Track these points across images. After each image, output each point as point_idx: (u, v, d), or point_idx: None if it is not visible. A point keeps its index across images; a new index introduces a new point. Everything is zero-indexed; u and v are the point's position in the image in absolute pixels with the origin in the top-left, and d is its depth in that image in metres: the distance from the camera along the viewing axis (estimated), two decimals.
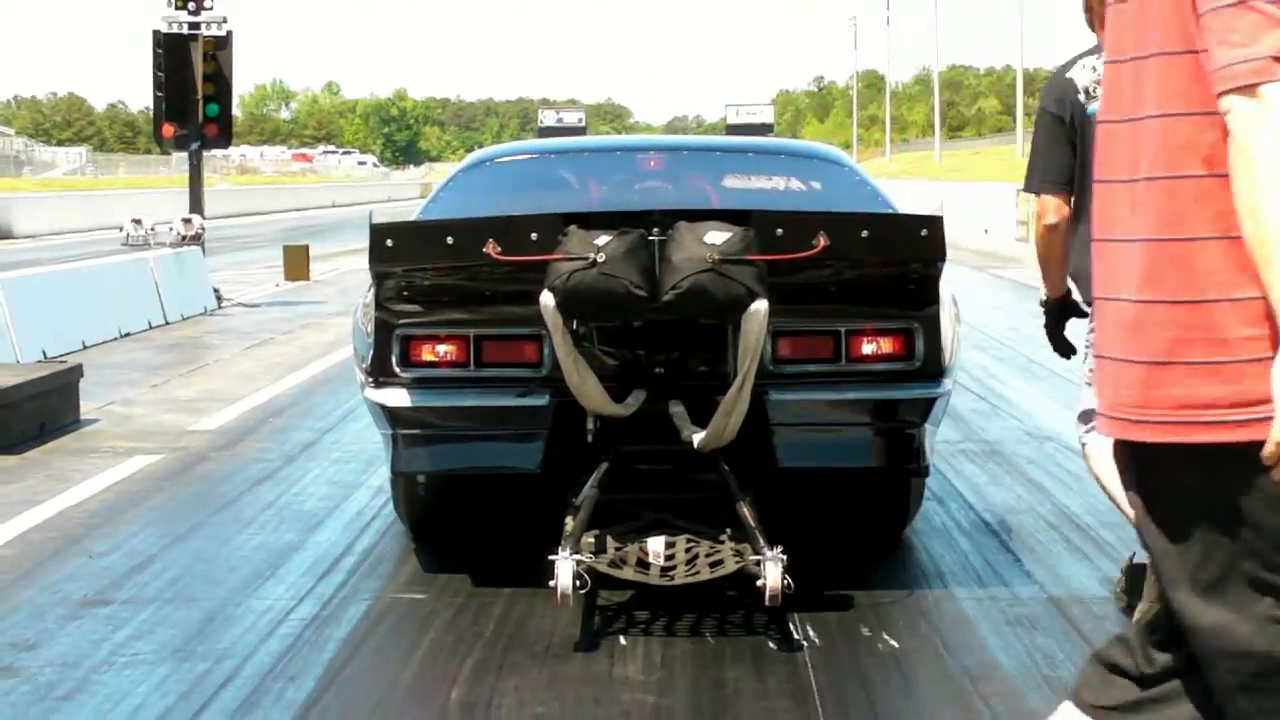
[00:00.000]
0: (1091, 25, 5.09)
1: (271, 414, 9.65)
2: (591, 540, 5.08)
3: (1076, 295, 5.09)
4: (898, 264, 5.19)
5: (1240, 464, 2.32)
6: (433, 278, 5.20)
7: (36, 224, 37.24)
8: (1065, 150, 4.90)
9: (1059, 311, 5.12)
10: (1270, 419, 2.25)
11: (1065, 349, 5.17)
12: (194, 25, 17.17)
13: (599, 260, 4.77)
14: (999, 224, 28.39)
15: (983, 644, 4.89)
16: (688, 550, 5.10)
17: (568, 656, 4.76)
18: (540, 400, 5.27)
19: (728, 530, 5.12)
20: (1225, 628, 2.41)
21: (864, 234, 5.02)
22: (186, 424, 9.24)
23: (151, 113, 18.07)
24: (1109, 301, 2.51)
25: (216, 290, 17.17)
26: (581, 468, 5.34)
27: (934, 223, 5.01)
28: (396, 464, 5.49)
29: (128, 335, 14.11)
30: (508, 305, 5.23)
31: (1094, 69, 4.89)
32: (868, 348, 5.31)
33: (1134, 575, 5.15)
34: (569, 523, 5.09)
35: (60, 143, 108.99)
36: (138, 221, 23.64)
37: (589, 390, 5.06)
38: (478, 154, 7.23)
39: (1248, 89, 2.25)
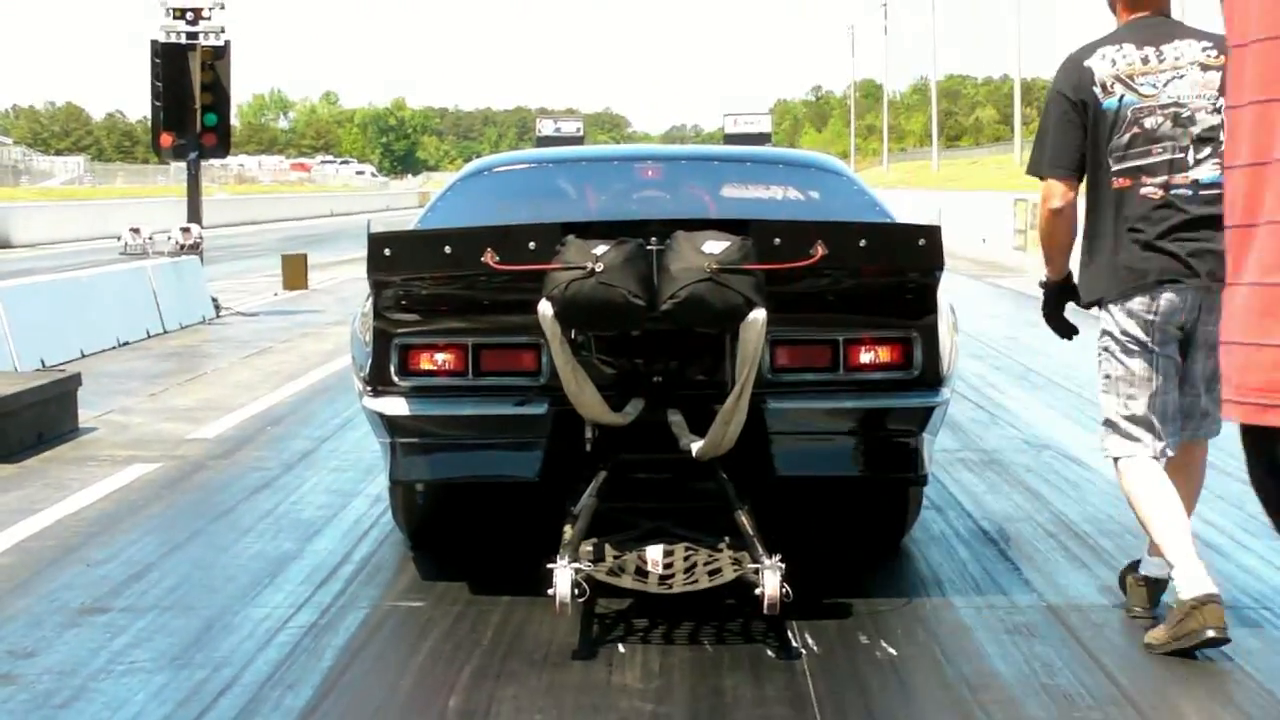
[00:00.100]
0: (1113, 7, 5.04)
1: (270, 423, 9.66)
2: (590, 548, 5.08)
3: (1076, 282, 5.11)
4: (896, 273, 5.20)
5: None
6: (431, 287, 5.21)
7: (35, 233, 37.25)
8: (1076, 136, 4.89)
9: (1059, 293, 5.15)
10: None
11: (1065, 329, 5.20)
12: (192, 35, 17.21)
13: (597, 270, 4.78)
14: (997, 233, 28.40)
15: (981, 652, 4.89)
16: (686, 558, 5.10)
17: (566, 664, 4.76)
18: (538, 409, 5.28)
19: (726, 538, 5.13)
20: None
21: (862, 243, 5.03)
22: (184, 433, 9.24)
23: (150, 122, 18.11)
24: (1239, 287, 2.48)
25: (215, 299, 17.18)
26: (580, 476, 5.35)
27: (932, 232, 5.02)
28: (395, 472, 5.50)
29: (126, 344, 14.11)
30: (506, 314, 5.23)
31: (1113, 62, 4.87)
32: (866, 357, 5.32)
33: (1152, 586, 5.12)
34: (567, 531, 5.10)
35: (58, 152, 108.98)
36: (136, 231, 23.71)
37: (587, 399, 5.07)
38: (476, 163, 7.24)
39: None
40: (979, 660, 4.80)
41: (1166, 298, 4.82)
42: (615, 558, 5.08)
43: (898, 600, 5.44)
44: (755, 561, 4.87)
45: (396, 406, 5.32)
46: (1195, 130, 4.82)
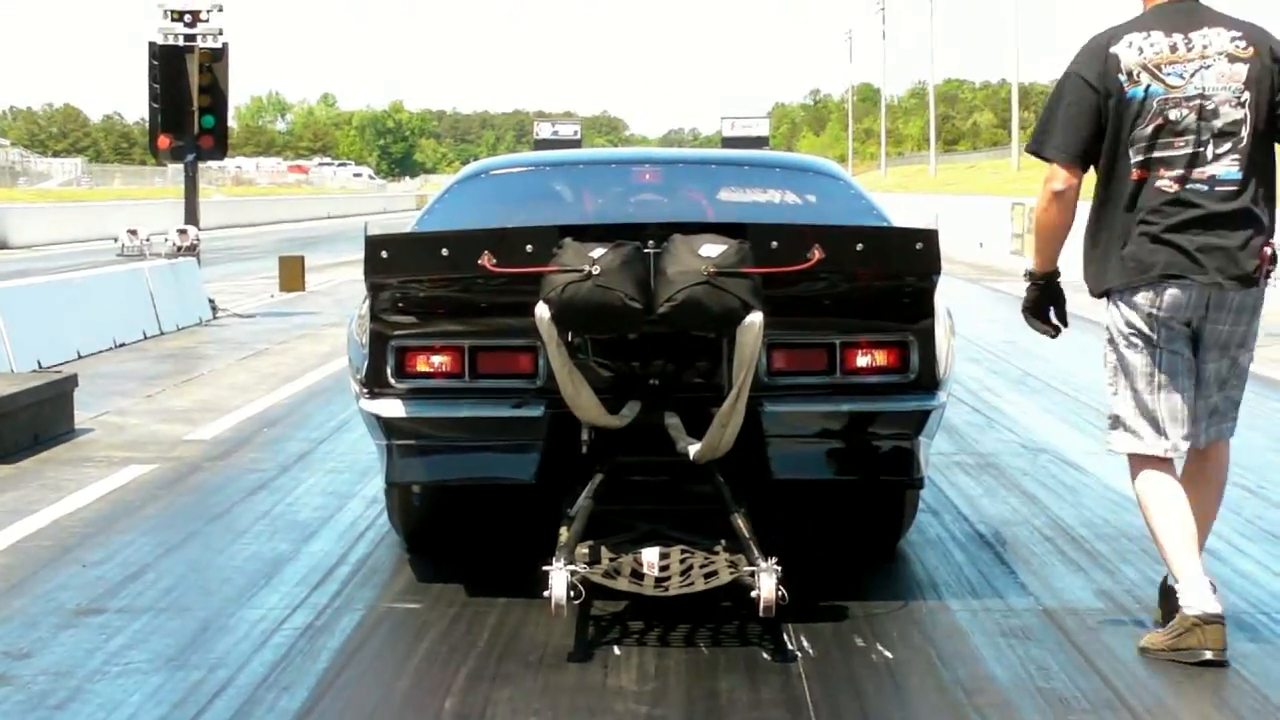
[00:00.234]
0: None
1: (266, 424, 9.65)
2: (586, 551, 5.08)
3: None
4: (893, 277, 5.20)
5: None
6: (428, 289, 5.21)
7: (32, 234, 37.26)
8: (1089, 125, 4.75)
9: (1043, 291, 4.98)
10: None
11: (1046, 327, 5.03)
12: (190, 37, 17.22)
13: (594, 272, 4.78)
14: (994, 237, 28.44)
15: (976, 655, 4.89)
16: (682, 561, 5.10)
17: (562, 666, 4.76)
18: (535, 411, 5.28)
19: (722, 541, 5.13)
20: None
21: (859, 247, 5.03)
22: (181, 434, 9.24)
23: (147, 124, 18.11)
24: None
25: (212, 301, 17.18)
26: (576, 479, 5.35)
27: (929, 236, 5.02)
28: (391, 474, 5.50)
29: (123, 345, 14.11)
30: (503, 317, 5.24)
31: (1140, 50, 4.71)
32: (862, 360, 5.32)
33: (1161, 596, 5.03)
34: (564, 533, 5.10)
35: (56, 154, 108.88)
36: (133, 232, 23.69)
37: (584, 401, 5.07)
38: (473, 166, 7.24)
39: None
40: (974, 664, 4.81)
41: (1171, 293, 4.71)
42: (611, 560, 5.08)
43: (893, 603, 5.44)
44: (751, 564, 4.87)
45: (393, 408, 5.32)
46: (1217, 124, 4.69)
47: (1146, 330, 4.78)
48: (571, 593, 4.79)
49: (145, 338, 14.78)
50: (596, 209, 6.44)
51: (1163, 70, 4.71)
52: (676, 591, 4.95)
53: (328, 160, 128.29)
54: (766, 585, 4.76)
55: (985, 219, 29.70)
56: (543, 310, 4.87)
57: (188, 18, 17.19)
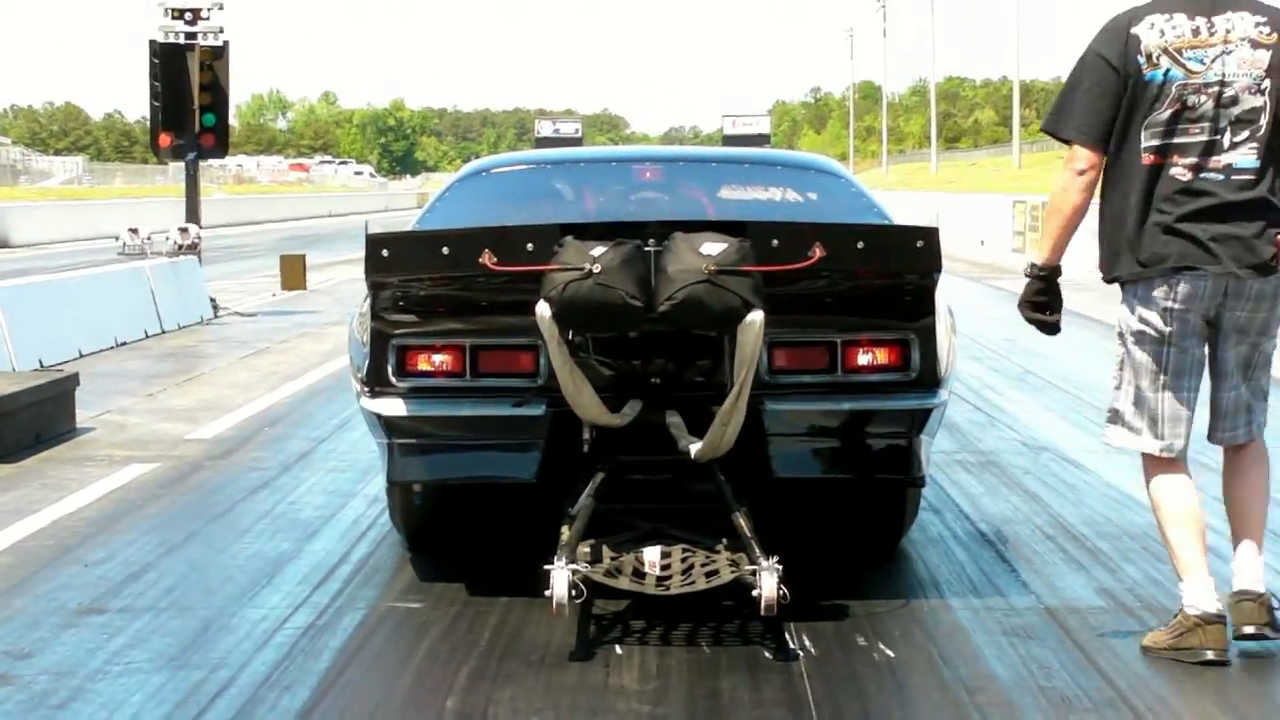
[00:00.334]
0: None
1: (267, 423, 9.65)
2: (587, 550, 5.08)
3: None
4: (894, 275, 5.20)
5: None
6: (429, 288, 5.21)
7: (33, 233, 37.24)
8: (1109, 107, 4.66)
9: (1044, 288, 4.85)
10: None
11: (1045, 325, 4.92)
12: (190, 35, 17.21)
13: (595, 271, 4.78)
14: (995, 235, 28.42)
15: (978, 654, 4.89)
16: (683, 560, 5.10)
17: (563, 666, 4.76)
18: (536, 410, 5.28)
19: (724, 540, 5.12)
20: None
21: (860, 245, 5.03)
22: (182, 433, 9.24)
23: (148, 122, 18.12)
24: None
25: (213, 299, 17.18)
26: (577, 477, 5.35)
27: (930, 234, 5.02)
28: (392, 473, 5.50)
29: (124, 344, 14.11)
30: (504, 315, 5.23)
31: (1161, 32, 4.61)
32: (863, 358, 5.32)
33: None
34: (565, 532, 5.10)
35: (57, 152, 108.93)
36: (134, 231, 23.67)
37: (585, 400, 5.07)
38: (474, 164, 7.24)
39: None
40: (976, 662, 4.80)
41: (1185, 285, 4.62)
42: (613, 559, 5.08)
43: (895, 602, 5.44)
44: (753, 563, 4.87)
45: (394, 407, 5.32)
46: (1235, 111, 4.59)
47: (1160, 325, 4.68)
48: (573, 592, 4.78)
49: (146, 336, 14.78)
50: (597, 207, 6.43)
51: (1184, 55, 4.61)
52: (678, 590, 4.95)
53: (329, 158, 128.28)
54: (768, 584, 4.75)
55: (986, 217, 29.68)
56: (544, 309, 4.87)
57: (188, 16, 17.18)
